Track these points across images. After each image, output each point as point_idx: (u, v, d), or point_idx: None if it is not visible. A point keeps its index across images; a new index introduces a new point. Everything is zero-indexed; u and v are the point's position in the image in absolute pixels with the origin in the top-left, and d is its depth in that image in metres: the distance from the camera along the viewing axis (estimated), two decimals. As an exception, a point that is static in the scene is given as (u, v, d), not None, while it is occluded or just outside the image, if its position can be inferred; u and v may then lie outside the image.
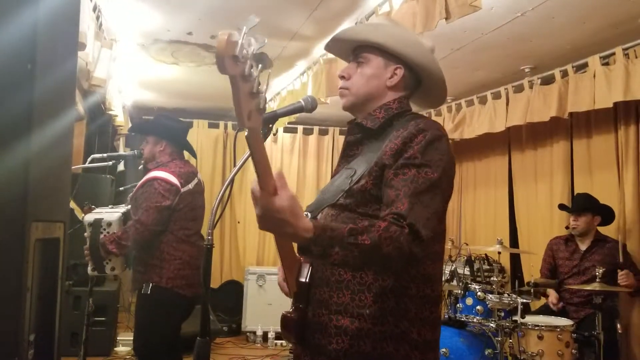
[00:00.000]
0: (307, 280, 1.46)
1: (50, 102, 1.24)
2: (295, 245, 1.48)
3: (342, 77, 1.59)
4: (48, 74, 1.19)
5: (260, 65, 1.04)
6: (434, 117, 5.67)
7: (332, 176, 1.62)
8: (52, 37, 1.24)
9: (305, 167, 6.84)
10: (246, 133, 1.07)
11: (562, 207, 4.24)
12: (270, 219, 1.16)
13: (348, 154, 1.59)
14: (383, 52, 1.54)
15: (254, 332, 5.87)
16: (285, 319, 1.49)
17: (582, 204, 3.99)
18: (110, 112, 4.85)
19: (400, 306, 1.39)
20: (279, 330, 1.56)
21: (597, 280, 3.36)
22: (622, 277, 3.52)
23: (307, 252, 1.24)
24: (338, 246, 1.23)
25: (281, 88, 5.37)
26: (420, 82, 1.60)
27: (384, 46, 1.53)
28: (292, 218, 1.17)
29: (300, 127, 6.82)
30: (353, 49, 1.60)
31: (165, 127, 3.31)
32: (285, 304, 1.59)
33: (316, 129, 6.87)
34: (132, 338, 3.28)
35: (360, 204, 1.42)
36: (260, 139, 1.12)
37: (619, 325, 3.66)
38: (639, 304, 3.86)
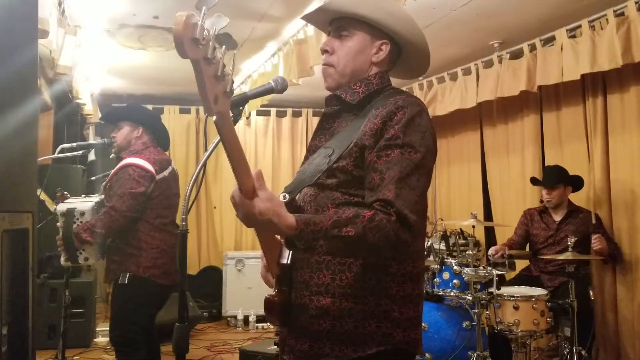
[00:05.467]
0: (289, 262, 1.42)
1: (10, 89, 1.20)
2: None
3: (326, 51, 1.50)
4: (6, 60, 1.15)
5: (224, 47, 1.01)
6: (406, 95, 5.68)
7: (308, 150, 1.57)
8: (9, 23, 1.20)
9: (280, 149, 6.80)
10: (214, 118, 1.05)
11: (534, 181, 4.24)
12: (253, 221, 1.22)
13: (325, 127, 1.54)
14: (369, 26, 1.46)
15: (235, 317, 5.87)
16: (268, 303, 1.44)
17: (554, 177, 4.02)
18: (78, 101, 4.76)
19: (382, 284, 1.37)
20: (260, 313, 1.56)
21: (570, 249, 3.44)
22: (596, 241, 3.58)
23: (293, 246, 1.27)
24: (322, 239, 1.24)
25: (252, 70, 5.31)
26: (400, 54, 1.55)
27: (373, 20, 1.45)
28: (275, 218, 1.21)
29: (273, 110, 6.75)
30: (331, 21, 1.52)
31: (141, 112, 3.29)
32: (265, 287, 1.57)
33: (289, 111, 6.81)
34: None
35: (340, 184, 1.39)
36: (230, 123, 1.09)
37: (592, 293, 3.75)
38: (611, 271, 3.96)
